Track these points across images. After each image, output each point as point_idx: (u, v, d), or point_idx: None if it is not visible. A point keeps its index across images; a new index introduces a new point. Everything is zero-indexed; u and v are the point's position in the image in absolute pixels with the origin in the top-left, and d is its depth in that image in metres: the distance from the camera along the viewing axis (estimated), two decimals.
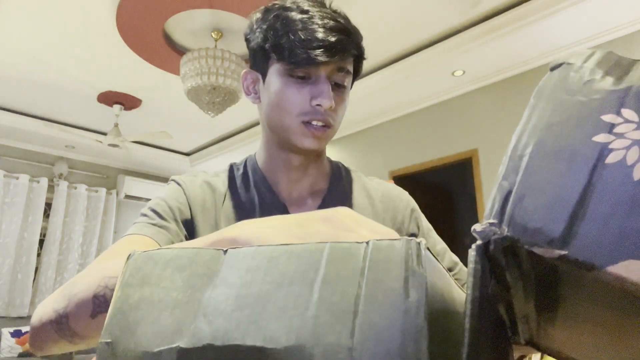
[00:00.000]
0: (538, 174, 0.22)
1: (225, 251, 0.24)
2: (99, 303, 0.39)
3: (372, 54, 3.05)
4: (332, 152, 4.25)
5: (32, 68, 3.25)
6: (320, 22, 0.59)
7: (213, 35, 2.85)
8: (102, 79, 3.44)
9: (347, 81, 0.65)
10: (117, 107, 3.80)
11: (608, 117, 0.23)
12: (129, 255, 0.25)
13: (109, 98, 3.74)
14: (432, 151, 3.46)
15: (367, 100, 3.56)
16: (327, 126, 0.63)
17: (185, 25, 2.81)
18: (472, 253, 0.22)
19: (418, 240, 0.20)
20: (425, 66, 3.07)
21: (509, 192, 0.22)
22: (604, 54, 0.28)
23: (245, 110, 3.81)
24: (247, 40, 0.67)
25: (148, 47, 2.93)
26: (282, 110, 0.62)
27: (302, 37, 0.58)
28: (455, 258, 0.74)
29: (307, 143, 0.62)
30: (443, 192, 4.44)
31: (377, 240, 0.21)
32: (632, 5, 2.38)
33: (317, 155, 0.70)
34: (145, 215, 0.62)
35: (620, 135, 0.22)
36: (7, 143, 4.58)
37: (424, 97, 3.51)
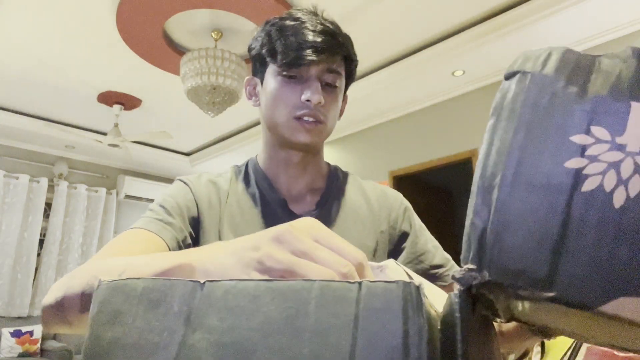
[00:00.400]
0: (512, 208, 0.20)
1: (203, 284, 0.21)
2: (86, 301, 0.41)
3: (372, 54, 3.05)
4: (332, 152, 4.25)
5: (32, 68, 3.25)
6: (310, 27, 0.65)
7: (213, 35, 2.85)
8: (102, 79, 3.44)
9: (338, 82, 0.69)
10: (117, 107, 3.80)
11: (577, 138, 0.21)
12: (98, 285, 0.23)
13: (109, 98, 3.74)
14: (432, 151, 3.46)
15: (367, 100, 3.56)
16: (318, 121, 0.67)
17: (185, 25, 2.81)
18: (455, 300, 0.20)
19: (417, 283, 0.18)
20: (425, 66, 3.07)
21: (484, 231, 0.20)
22: (561, 53, 0.26)
23: (245, 110, 3.81)
24: (250, 50, 0.73)
25: (148, 47, 2.93)
26: (276, 107, 0.68)
27: (293, 39, 0.64)
28: (447, 255, 0.76)
29: (301, 137, 0.67)
30: (443, 192, 4.44)
31: (370, 282, 0.19)
32: (632, 5, 2.38)
33: (314, 153, 0.74)
34: (152, 210, 0.65)
35: (593, 158, 0.20)
36: (7, 143, 4.58)
37: (424, 97, 3.51)
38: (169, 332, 0.20)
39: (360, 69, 3.22)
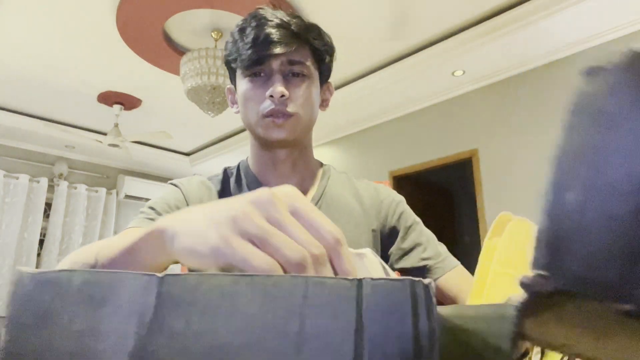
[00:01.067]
0: (589, 212, 0.19)
1: (161, 278, 0.17)
2: None
3: (372, 54, 3.05)
4: (332, 152, 4.25)
5: (32, 68, 3.25)
6: (266, 23, 0.65)
7: (213, 35, 2.85)
8: (102, 79, 3.44)
9: (305, 71, 0.68)
10: (117, 107, 3.80)
11: None
12: (17, 277, 0.19)
13: (109, 98, 3.74)
14: (432, 151, 3.46)
15: (367, 100, 3.56)
16: (287, 115, 0.66)
17: (185, 25, 2.81)
18: (513, 313, 0.18)
19: (426, 281, 0.17)
20: (425, 66, 3.07)
21: (556, 235, 0.19)
22: None
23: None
24: (224, 59, 0.74)
25: (148, 47, 2.93)
26: (247, 108, 0.68)
27: (249, 39, 0.65)
28: (442, 248, 0.75)
29: (274, 134, 0.66)
30: (443, 192, 4.44)
31: (372, 280, 0.17)
32: (632, 5, 2.38)
33: (300, 149, 0.73)
34: (143, 212, 0.66)
35: None
36: (7, 143, 4.58)
37: (424, 97, 3.51)
38: (118, 338, 0.16)
39: (360, 69, 3.23)
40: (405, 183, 3.63)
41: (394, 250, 0.74)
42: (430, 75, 3.17)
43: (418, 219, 0.79)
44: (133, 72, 3.31)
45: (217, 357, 0.15)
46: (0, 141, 4.54)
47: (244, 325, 0.16)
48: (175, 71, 3.10)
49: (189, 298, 0.17)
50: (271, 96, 0.65)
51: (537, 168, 2.81)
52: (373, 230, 0.74)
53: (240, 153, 4.61)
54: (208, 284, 0.17)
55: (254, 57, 0.64)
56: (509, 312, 0.18)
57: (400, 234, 0.75)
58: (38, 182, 4.70)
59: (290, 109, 0.66)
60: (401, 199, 0.79)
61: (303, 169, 0.74)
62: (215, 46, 2.81)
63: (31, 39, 2.89)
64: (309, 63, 0.69)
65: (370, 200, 0.77)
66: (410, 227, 0.76)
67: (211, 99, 2.73)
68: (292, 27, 0.66)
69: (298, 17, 0.68)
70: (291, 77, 0.67)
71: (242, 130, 4.48)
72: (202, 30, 2.85)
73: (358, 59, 3.09)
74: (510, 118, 3.03)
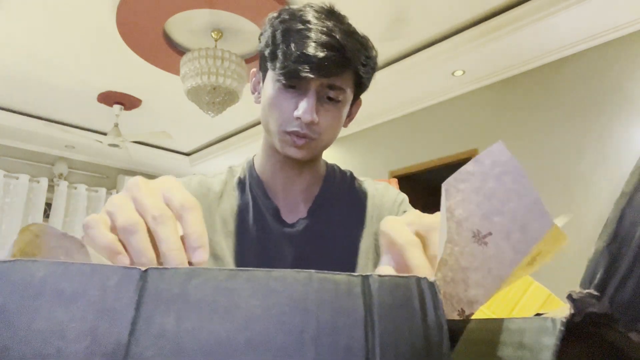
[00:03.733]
0: None
1: (145, 272, 0.15)
2: None
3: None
4: (332, 152, 4.24)
5: (32, 68, 3.25)
6: (314, 36, 0.59)
7: (213, 35, 2.85)
8: (102, 79, 3.44)
9: (342, 97, 0.64)
10: (117, 107, 3.80)
11: None
12: None
13: (109, 98, 3.74)
14: (432, 151, 3.46)
15: (367, 100, 3.55)
16: (309, 139, 0.63)
17: (185, 25, 2.81)
18: (557, 327, 0.17)
19: (431, 279, 0.17)
20: (425, 66, 3.06)
21: (616, 260, 0.19)
22: None
23: (245, 110, 3.81)
24: (259, 40, 0.69)
25: (148, 47, 2.93)
26: (270, 115, 0.64)
27: (294, 49, 0.59)
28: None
29: (290, 152, 0.64)
30: None
31: (380, 276, 0.17)
32: (632, 5, 2.38)
33: (311, 161, 0.71)
34: None
35: None
36: (7, 143, 4.58)
37: (424, 97, 3.50)
38: (94, 338, 0.14)
39: None
40: (405, 183, 3.63)
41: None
42: (430, 75, 3.17)
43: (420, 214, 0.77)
44: (133, 72, 3.31)
45: (216, 356, 0.14)
46: (0, 141, 4.54)
47: (245, 321, 0.15)
48: (175, 71, 3.10)
49: (178, 293, 0.15)
50: (298, 117, 0.61)
51: (537, 168, 2.81)
52: (375, 232, 0.72)
53: (240, 153, 4.61)
54: (199, 278, 0.15)
55: (293, 74, 0.59)
56: (553, 326, 0.17)
57: None
58: (38, 182, 4.70)
59: (314, 134, 0.63)
60: (403, 198, 0.78)
61: (309, 174, 0.73)
62: (215, 46, 2.81)
63: (31, 39, 2.89)
64: (348, 90, 0.65)
65: (372, 202, 0.75)
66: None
67: (211, 99, 2.73)
68: (347, 52, 0.60)
69: (353, 32, 0.63)
70: (325, 100, 0.63)
71: (242, 130, 4.48)
72: (202, 30, 2.84)
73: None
74: (510, 118, 3.03)
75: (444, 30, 2.82)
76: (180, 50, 3.01)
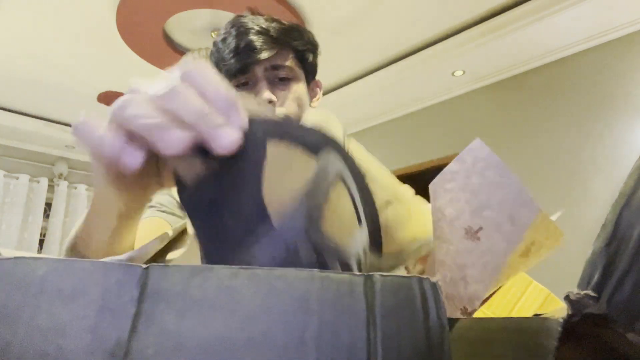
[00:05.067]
0: None
1: (145, 269, 0.15)
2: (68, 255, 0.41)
3: (373, 54, 3.04)
4: None
5: (32, 68, 3.25)
6: (247, 30, 0.65)
7: (213, 35, 2.85)
8: (102, 79, 3.44)
9: (291, 73, 0.69)
10: None
11: None
12: None
13: (109, 98, 3.74)
14: (432, 151, 3.46)
15: (367, 100, 3.56)
16: None
17: (185, 25, 2.81)
18: (555, 328, 0.17)
19: (433, 279, 0.17)
20: (425, 66, 3.06)
21: (614, 261, 0.19)
22: None
23: None
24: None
25: (148, 47, 2.93)
26: None
27: (230, 47, 0.65)
28: None
29: None
30: None
31: (382, 276, 0.16)
32: (632, 5, 2.38)
33: None
34: (152, 206, 0.65)
35: None
36: (7, 143, 4.58)
37: (424, 97, 3.50)
38: (94, 335, 0.14)
39: (360, 69, 3.23)
40: (405, 183, 3.63)
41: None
42: (430, 75, 3.17)
43: None
44: (133, 72, 3.31)
45: (217, 354, 0.14)
46: (0, 141, 4.54)
47: (246, 320, 0.14)
48: None
49: (180, 291, 0.15)
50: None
51: (537, 168, 2.81)
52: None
53: None
54: (202, 275, 0.15)
55: (238, 65, 0.65)
56: (551, 326, 0.17)
57: None
58: (38, 182, 4.70)
59: (279, 112, 0.66)
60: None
61: None
62: None
63: (31, 39, 2.89)
64: (292, 65, 0.69)
65: None
66: None
67: None
68: (271, 32, 0.66)
69: (277, 20, 0.69)
70: (277, 82, 0.68)
71: None
72: (202, 30, 2.85)
73: (358, 58, 3.09)
74: (511, 118, 3.03)
75: (444, 30, 2.82)
76: (180, 50, 3.01)
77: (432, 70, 3.09)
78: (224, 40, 0.67)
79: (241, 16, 0.69)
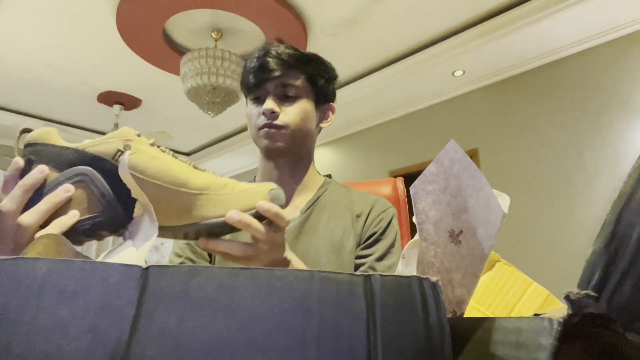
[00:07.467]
0: None
1: (146, 270, 0.15)
2: None
3: (373, 54, 3.05)
4: (333, 152, 4.25)
5: (32, 68, 3.25)
6: (268, 54, 0.77)
7: (213, 35, 2.85)
8: (102, 79, 3.44)
9: (297, 92, 0.79)
10: (117, 107, 3.80)
11: None
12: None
13: (109, 98, 3.74)
14: (432, 151, 3.46)
15: (367, 100, 3.56)
16: (277, 127, 0.76)
17: (185, 25, 2.81)
18: (555, 328, 0.17)
19: (433, 279, 0.17)
20: (425, 66, 3.06)
21: (614, 262, 0.19)
22: None
23: (245, 110, 3.81)
24: None
25: (148, 47, 2.93)
26: (249, 125, 0.81)
27: (251, 66, 0.78)
28: (385, 266, 0.76)
29: (267, 144, 0.77)
30: None
31: (382, 276, 0.16)
32: (632, 5, 2.38)
33: (297, 159, 0.81)
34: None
35: None
36: (7, 143, 4.58)
37: (424, 97, 3.51)
38: (95, 335, 0.14)
39: (360, 69, 3.23)
40: (405, 183, 3.63)
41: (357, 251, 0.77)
42: (430, 75, 3.17)
43: (394, 241, 0.79)
44: (133, 72, 3.31)
45: (217, 355, 0.13)
46: (0, 141, 4.54)
47: (246, 320, 0.14)
48: (175, 71, 3.10)
49: (179, 291, 0.15)
50: (263, 113, 0.75)
51: (537, 168, 2.81)
52: (358, 235, 0.78)
53: (240, 153, 4.61)
54: (201, 276, 0.15)
55: (253, 81, 0.77)
56: (550, 326, 0.17)
57: (367, 240, 0.77)
58: None
59: (280, 122, 0.76)
60: (392, 213, 0.82)
61: (301, 176, 0.82)
62: (215, 46, 2.81)
63: (31, 39, 2.89)
64: (300, 85, 0.79)
65: (360, 209, 0.81)
66: (378, 239, 0.78)
67: (211, 99, 2.73)
68: (285, 57, 0.77)
69: (295, 49, 0.80)
70: (285, 98, 0.78)
71: (242, 130, 4.48)
72: (202, 30, 2.85)
73: (358, 58, 3.09)
74: (510, 118, 3.03)
75: (444, 30, 2.82)
76: (180, 50, 3.01)
77: (432, 70, 3.09)
78: (250, 61, 0.79)
79: (269, 44, 0.80)
